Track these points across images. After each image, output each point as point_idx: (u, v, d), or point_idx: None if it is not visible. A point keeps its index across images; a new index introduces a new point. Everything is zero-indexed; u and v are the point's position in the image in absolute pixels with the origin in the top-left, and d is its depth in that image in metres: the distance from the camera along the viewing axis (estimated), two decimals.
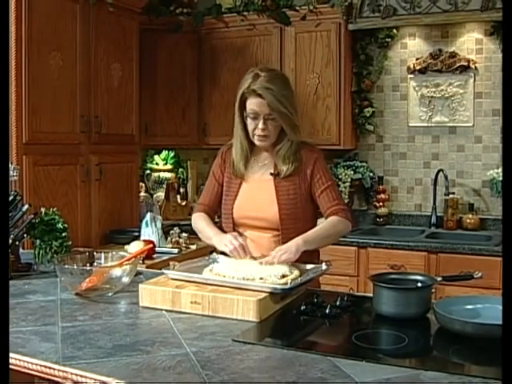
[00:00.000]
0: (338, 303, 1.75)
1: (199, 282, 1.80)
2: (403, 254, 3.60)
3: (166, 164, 4.86)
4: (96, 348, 1.42)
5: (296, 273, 1.86)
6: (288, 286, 1.74)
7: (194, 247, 3.60)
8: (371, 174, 4.26)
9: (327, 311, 1.68)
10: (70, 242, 2.40)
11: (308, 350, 1.40)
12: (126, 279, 1.93)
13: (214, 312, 1.67)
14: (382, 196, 4.22)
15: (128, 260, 1.99)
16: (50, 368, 1.32)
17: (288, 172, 2.25)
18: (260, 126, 2.20)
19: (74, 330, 1.56)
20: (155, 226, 3.45)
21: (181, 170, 4.89)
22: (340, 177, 4.17)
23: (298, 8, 4.12)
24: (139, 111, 4.00)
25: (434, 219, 4.07)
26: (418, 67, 4.12)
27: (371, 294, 1.75)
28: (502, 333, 1.21)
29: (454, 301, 1.66)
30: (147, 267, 2.81)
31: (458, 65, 4.01)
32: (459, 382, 1.22)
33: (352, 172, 4.19)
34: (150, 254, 3.11)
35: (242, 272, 1.79)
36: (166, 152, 4.87)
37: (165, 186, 4.66)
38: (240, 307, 1.65)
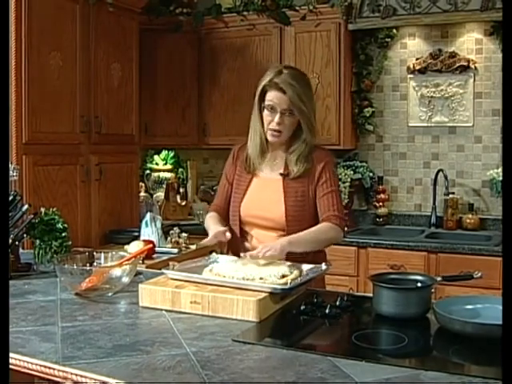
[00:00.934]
0: (337, 303, 1.75)
1: (199, 282, 1.80)
2: (403, 254, 3.60)
3: (165, 164, 4.86)
4: (96, 348, 1.42)
5: (296, 273, 1.86)
6: (288, 286, 1.74)
7: (193, 247, 3.60)
8: (371, 174, 4.26)
9: (327, 311, 1.68)
10: (70, 242, 2.39)
11: (308, 350, 1.40)
12: (125, 279, 1.93)
13: (214, 312, 1.67)
14: (382, 196, 4.22)
15: (128, 260, 1.99)
16: (49, 368, 1.32)
17: (298, 173, 2.25)
18: (276, 119, 2.20)
19: (73, 330, 1.56)
20: (155, 226, 3.45)
21: (181, 170, 4.89)
22: (340, 177, 4.17)
23: (297, 8, 4.12)
24: (139, 111, 4.00)
25: (433, 219, 4.07)
26: (417, 67, 4.12)
27: (371, 294, 1.75)
28: (502, 333, 1.21)
29: (454, 301, 1.66)
30: (147, 267, 2.80)
31: (457, 65, 4.01)
32: (459, 381, 1.22)
33: (352, 172, 4.19)
34: (149, 254, 3.10)
35: (242, 272, 1.79)
36: (166, 152, 4.87)
37: (165, 186, 4.66)
38: (240, 307, 1.64)
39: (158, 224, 3.49)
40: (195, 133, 4.49)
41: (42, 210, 2.38)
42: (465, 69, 4.00)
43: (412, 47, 4.17)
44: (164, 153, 4.87)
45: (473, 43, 3.99)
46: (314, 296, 1.79)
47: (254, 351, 1.40)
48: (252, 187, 2.32)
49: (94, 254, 2.10)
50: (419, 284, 1.74)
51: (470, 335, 1.43)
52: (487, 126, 4.00)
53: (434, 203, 4.08)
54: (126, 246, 2.96)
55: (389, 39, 4.19)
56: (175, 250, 3.41)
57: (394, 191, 4.30)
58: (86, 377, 1.26)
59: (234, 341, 1.46)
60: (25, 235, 2.33)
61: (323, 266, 1.97)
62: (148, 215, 3.51)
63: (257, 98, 2.26)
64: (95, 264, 2.05)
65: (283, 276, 1.79)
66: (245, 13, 4.28)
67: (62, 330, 1.56)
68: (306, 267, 1.96)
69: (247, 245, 2.29)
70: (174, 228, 3.61)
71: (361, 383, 1.21)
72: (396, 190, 4.30)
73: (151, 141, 4.46)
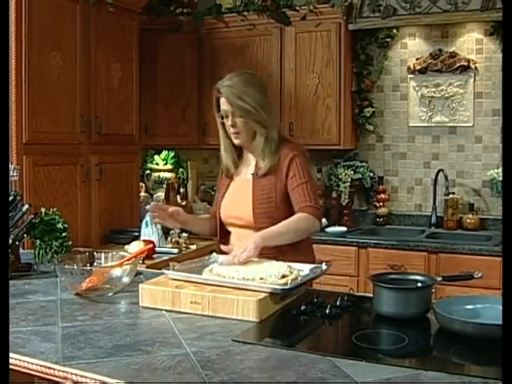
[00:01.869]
0: (338, 303, 1.75)
1: (199, 282, 1.80)
2: (403, 254, 3.60)
3: (166, 164, 4.86)
4: (96, 348, 1.42)
5: (296, 273, 1.86)
6: (288, 286, 1.74)
7: (193, 247, 3.60)
8: (371, 174, 4.26)
9: (327, 311, 1.68)
10: (70, 242, 2.40)
11: (308, 350, 1.40)
12: (126, 279, 1.93)
13: (214, 312, 1.67)
14: (382, 196, 4.22)
15: (128, 260, 1.99)
16: (49, 368, 1.32)
17: (265, 170, 2.28)
18: (229, 122, 2.26)
19: (74, 330, 1.56)
20: (155, 225, 3.45)
21: (181, 170, 4.89)
22: (340, 177, 4.18)
23: (298, 8, 4.12)
24: (139, 111, 4.00)
25: (434, 219, 4.07)
26: (418, 67, 4.12)
27: (371, 294, 1.75)
28: (502, 333, 1.21)
29: (453, 301, 1.66)
30: (147, 267, 2.81)
31: (458, 65, 4.01)
32: (459, 381, 1.22)
33: (352, 172, 4.19)
34: (149, 254, 3.11)
35: (242, 272, 1.79)
36: (166, 152, 4.87)
37: (165, 186, 4.66)
38: (240, 307, 1.64)
39: (158, 224, 3.49)
40: (195, 133, 4.49)
41: (43, 210, 2.38)
42: (465, 69, 4.00)
43: (412, 47, 4.17)
44: (164, 153, 4.87)
45: (473, 43, 3.99)
46: (314, 296, 1.79)
47: (254, 351, 1.40)
48: (229, 190, 2.40)
49: (95, 254, 2.10)
50: (419, 284, 1.74)
51: (470, 335, 1.43)
52: (487, 126, 4.00)
53: (435, 203, 4.08)
54: (126, 246, 2.97)
55: (389, 39, 4.19)
56: (175, 250, 3.41)
57: (394, 191, 4.30)
58: (86, 377, 1.26)
59: (234, 341, 1.47)
60: (25, 235, 2.33)
61: (323, 266, 1.97)
62: (148, 215, 3.51)
63: (215, 108, 2.32)
64: (95, 264, 2.05)
65: (283, 276, 1.80)
66: (245, 13, 4.28)
67: (63, 330, 1.56)
68: (306, 267, 1.96)
69: (230, 246, 2.27)
70: (174, 228, 3.61)
71: (361, 383, 1.21)
72: (396, 190, 4.30)
73: (151, 141, 4.46)
